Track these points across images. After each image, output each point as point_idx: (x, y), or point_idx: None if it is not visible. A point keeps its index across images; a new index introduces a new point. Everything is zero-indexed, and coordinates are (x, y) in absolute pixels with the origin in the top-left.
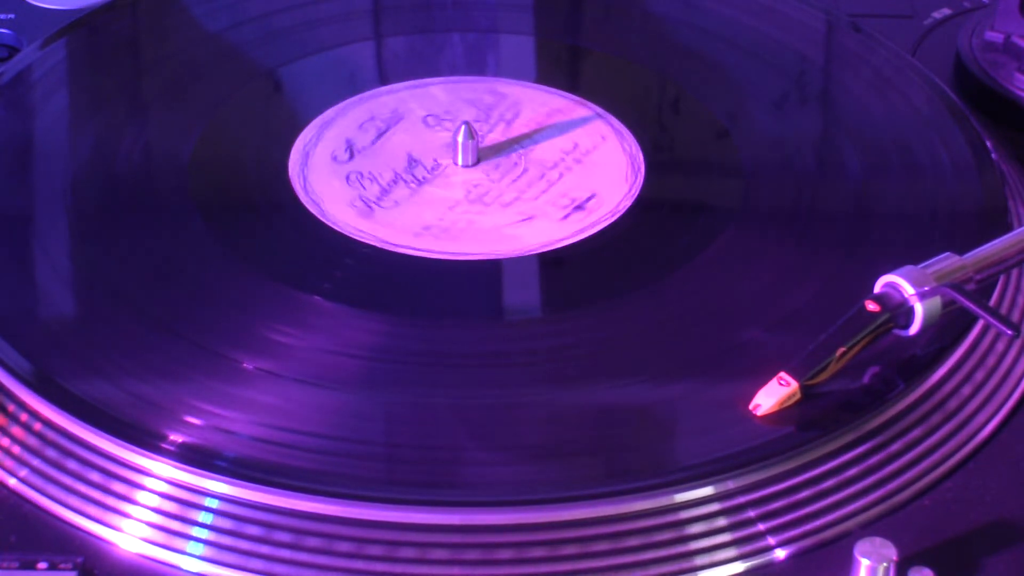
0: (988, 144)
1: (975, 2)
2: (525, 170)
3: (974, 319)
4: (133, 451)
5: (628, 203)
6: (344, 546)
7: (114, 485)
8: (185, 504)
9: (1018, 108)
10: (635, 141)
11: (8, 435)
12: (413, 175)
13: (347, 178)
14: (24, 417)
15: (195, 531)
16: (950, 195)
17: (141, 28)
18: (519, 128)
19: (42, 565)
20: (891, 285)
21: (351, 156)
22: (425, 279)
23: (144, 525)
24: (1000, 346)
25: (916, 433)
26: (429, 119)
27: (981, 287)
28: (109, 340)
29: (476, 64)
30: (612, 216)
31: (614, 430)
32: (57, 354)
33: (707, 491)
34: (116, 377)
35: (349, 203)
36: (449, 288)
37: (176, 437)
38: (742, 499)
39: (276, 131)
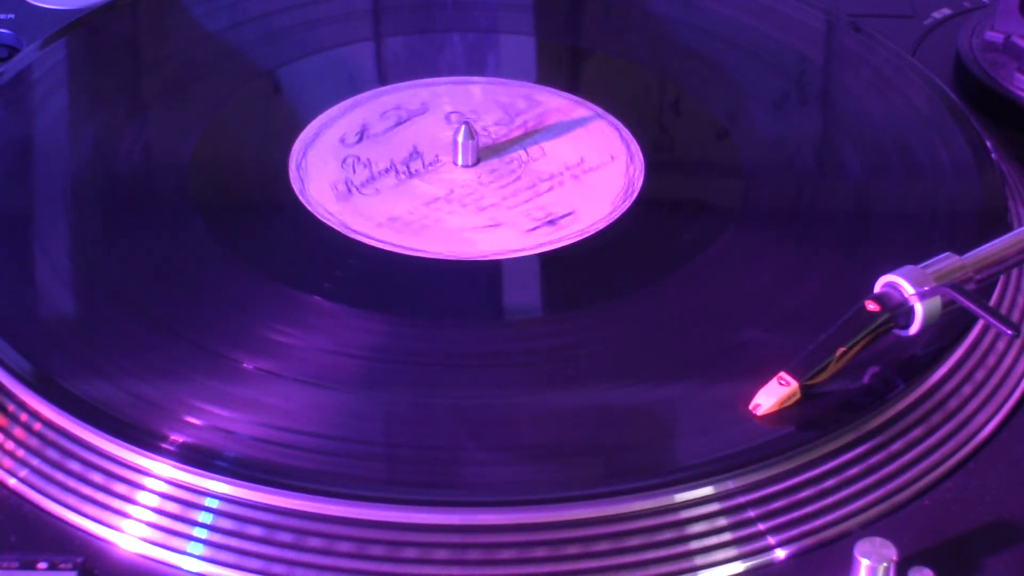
0: (988, 144)
1: (975, 2)
2: (519, 178)
3: (974, 319)
4: (133, 451)
5: (603, 225)
6: (344, 546)
7: (114, 485)
8: (185, 504)
9: (1018, 108)
10: (639, 150)
11: (8, 435)
12: (408, 167)
13: (343, 160)
14: (24, 417)
15: (195, 531)
16: (950, 195)
17: (141, 28)
18: (533, 135)
19: (42, 565)
20: (891, 285)
21: (359, 140)
22: (425, 279)
23: (144, 525)
24: (1000, 346)
25: (916, 433)
26: (453, 116)
27: (981, 287)
28: (109, 340)
29: (476, 64)
30: (579, 236)
31: (614, 430)
32: (57, 354)
33: (707, 491)
34: (116, 377)
35: (332, 185)
36: (449, 288)
37: (176, 437)
38: (742, 499)
39: (276, 131)
